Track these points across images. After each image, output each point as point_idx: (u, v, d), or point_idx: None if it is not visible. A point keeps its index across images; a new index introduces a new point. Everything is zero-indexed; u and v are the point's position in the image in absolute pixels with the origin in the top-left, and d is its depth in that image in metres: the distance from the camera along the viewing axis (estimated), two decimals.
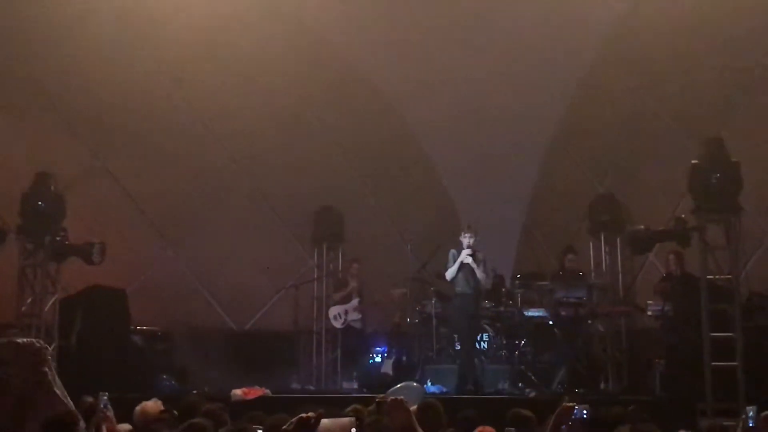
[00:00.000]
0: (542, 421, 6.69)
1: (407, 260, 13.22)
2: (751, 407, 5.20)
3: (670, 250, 11.29)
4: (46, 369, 5.17)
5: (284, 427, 4.23)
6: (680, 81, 12.73)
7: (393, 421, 5.13)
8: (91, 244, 10.98)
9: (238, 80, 14.00)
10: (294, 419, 4.24)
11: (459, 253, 11.53)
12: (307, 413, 4.23)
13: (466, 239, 11.53)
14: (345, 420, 4.48)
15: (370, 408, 5.97)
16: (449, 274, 11.61)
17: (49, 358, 5.28)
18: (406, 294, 13.18)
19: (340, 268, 14.33)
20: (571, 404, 5.77)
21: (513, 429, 6.07)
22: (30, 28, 12.86)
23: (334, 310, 13.22)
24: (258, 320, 14.43)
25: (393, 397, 5.35)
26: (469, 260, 11.42)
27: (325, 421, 4.40)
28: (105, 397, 5.78)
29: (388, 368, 12.66)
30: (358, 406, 6.24)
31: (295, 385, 12.73)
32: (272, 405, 8.95)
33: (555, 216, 14.94)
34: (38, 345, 5.28)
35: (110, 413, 5.77)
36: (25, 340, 6.03)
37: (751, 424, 5.04)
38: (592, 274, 13.42)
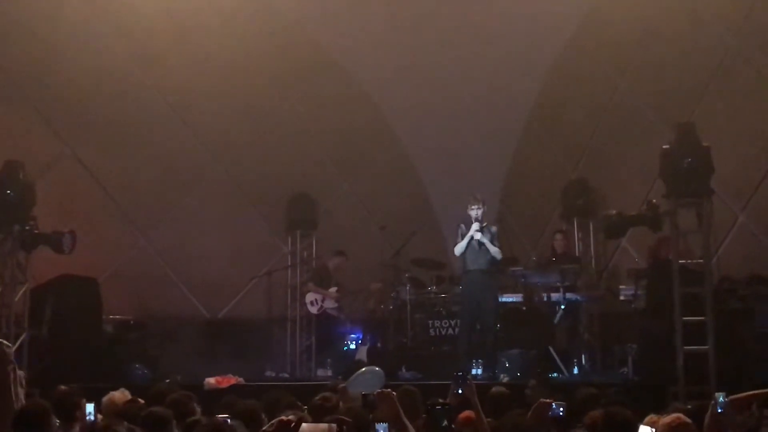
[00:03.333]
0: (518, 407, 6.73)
1: (381, 246, 13.23)
2: (720, 393, 5.18)
3: (659, 236, 11.20)
4: (9, 369, 5.04)
5: (264, 428, 4.23)
6: (651, 65, 12.74)
7: (381, 413, 5.14)
8: (61, 233, 10.83)
9: (210, 67, 13.92)
10: (274, 421, 4.24)
11: (468, 226, 10.89)
12: (287, 416, 4.23)
13: (473, 211, 10.91)
14: (324, 425, 4.46)
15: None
16: (458, 249, 10.97)
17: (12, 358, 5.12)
18: (383, 287, 13.18)
19: (314, 255, 14.29)
20: (548, 400, 5.83)
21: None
22: None
23: (310, 297, 13.14)
24: (231, 308, 14.34)
25: (380, 390, 5.36)
26: (478, 236, 10.84)
27: (304, 426, 4.40)
28: None
29: (362, 355, 12.64)
30: (327, 394, 6.26)
31: (269, 373, 12.67)
32: (246, 393, 8.88)
33: (528, 201, 14.97)
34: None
35: None
36: None
37: (719, 410, 5.03)
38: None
